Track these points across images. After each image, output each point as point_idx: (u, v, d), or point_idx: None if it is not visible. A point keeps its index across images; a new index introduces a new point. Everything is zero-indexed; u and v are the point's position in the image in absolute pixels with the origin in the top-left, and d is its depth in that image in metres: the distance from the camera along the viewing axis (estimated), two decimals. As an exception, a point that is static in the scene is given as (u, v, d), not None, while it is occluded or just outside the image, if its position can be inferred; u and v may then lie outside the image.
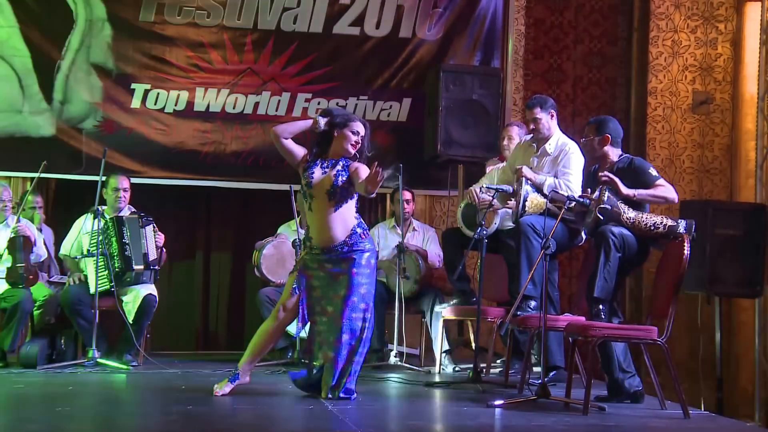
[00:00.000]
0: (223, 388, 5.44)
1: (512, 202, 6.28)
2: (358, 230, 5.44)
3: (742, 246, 7.57)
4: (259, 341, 5.56)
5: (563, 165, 6.31)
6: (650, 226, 5.56)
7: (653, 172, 5.75)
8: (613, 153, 5.83)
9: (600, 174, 5.69)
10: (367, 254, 5.43)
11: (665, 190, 5.69)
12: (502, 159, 7.28)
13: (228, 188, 8.47)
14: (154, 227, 7.05)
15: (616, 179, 5.61)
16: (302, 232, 6.21)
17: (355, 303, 5.37)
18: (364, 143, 5.51)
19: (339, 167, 5.42)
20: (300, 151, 5.51)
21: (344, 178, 5.40)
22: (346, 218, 5.42)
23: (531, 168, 6.40)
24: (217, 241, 8.78)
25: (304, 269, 5.50)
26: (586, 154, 6.07)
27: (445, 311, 6.92)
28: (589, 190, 5.75)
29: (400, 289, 7.00)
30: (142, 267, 6.94)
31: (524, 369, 5.88)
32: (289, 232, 7.50)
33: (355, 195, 5.46)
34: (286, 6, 8.43)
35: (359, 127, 5.49)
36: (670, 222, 5.55)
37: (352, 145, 5.45)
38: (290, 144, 5.49)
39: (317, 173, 5.43)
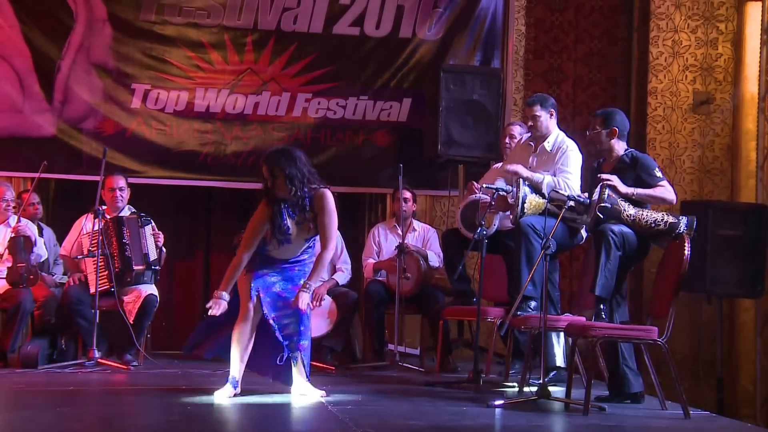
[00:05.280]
0: (221, 391, 5.42)
1: (511, 201, 6.24)
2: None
3: (742, 246, 7.57)
4: (238, 346, 5.48)
5: (562, 163, 6.28)
6: (651, 223, 5.55)
7: (658, 173, 5.71)
8: (619, 146, 5.81)
9: (599, 175, 5.67)
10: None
11: (664, 190, 5.68)
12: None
13: (228, 188, 8.47)
14: (153, 227, 7.05)
15: (615, 179, 5.60)
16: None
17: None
18: (289, 171, 5.37)
19: (307, 215, 5.43)
20: (262, 226, 5.51)
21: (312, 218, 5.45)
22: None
23: (530, 167, 6.37)
24: (217, 241, 8.77)
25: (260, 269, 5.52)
26: (591, 147, 6.03)
27: (445, 311, 6.92)
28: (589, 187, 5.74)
29: (400, 289, 7.01)
30: (142, 267, 6.94)
31: (524, 369, 5.88)
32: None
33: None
34: (286, 6, 8.42)
35: (264, 172, 5.43)
36: (670, 219, 5.54)
37: (280, 188, 5.39)
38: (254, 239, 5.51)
39: (291, 227, 5.46)
